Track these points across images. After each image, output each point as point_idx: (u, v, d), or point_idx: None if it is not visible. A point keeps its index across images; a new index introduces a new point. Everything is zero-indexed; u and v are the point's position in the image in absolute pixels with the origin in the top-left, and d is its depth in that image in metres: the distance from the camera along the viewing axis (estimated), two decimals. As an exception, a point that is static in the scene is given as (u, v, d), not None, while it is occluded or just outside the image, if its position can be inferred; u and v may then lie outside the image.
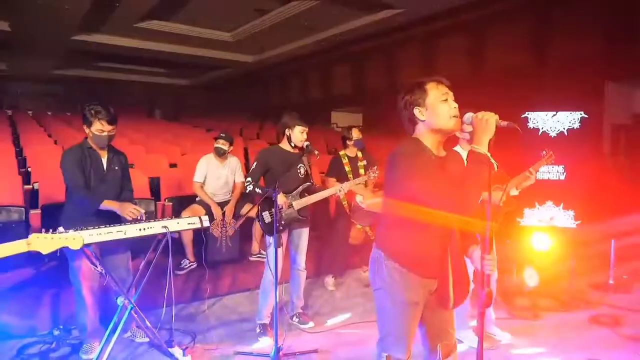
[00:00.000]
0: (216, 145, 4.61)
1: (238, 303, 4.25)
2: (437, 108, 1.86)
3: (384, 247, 1.96)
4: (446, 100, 1.87)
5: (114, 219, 3.06)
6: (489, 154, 1.71)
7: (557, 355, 3.22)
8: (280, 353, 3.05)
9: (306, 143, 3.39)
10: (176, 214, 4.67)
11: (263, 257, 4.77)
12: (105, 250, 3.10)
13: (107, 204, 3.05)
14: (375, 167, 3.91)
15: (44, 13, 11.05)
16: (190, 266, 4.42)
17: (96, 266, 2.95)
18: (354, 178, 4.42)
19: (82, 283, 3.10)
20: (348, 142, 4.65)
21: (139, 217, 3.00)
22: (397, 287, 1.92)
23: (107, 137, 3.13)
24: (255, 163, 3.50)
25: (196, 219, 3.18)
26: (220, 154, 4.61)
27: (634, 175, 5.90)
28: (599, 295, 4.33)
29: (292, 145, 3.53)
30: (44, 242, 1.73)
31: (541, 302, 4.10)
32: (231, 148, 4.71)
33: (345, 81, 16.18)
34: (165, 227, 2.96)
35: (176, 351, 3.16)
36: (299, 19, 12.49)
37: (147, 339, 3.39)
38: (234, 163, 4.76)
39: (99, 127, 3.08)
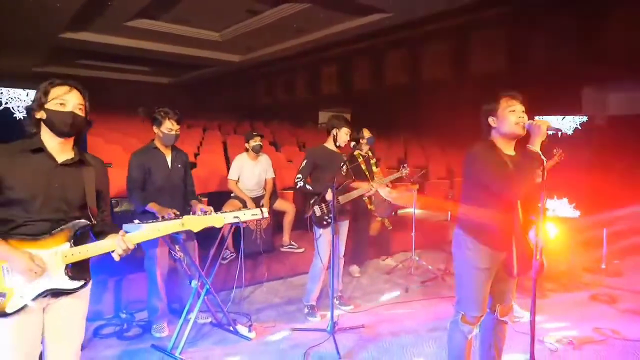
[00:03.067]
0: (253, 144, 4.95)
1: (276, 289, 4.65)
2: (505, 117, 2.35)
3: (463, 226, 2.48)
4: (513, 111, 2.34)
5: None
6: (540, 152, 2.20)
7: (567, 326, 3.74)
8: (335, 328, 3.47)
9: (352, 144, 3.80)
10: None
11: (293, 248, 5.18)
12: (173, 238, 3.43)
13: (151, 206, 3.32)
14: (406, 164, 4.36)
15: (33, 11, 10.98)
16: (230, 256, 4.77)
17: (176, 252, 3.32)
18: (369, 175, 4.86)
19: (156, 269, 3.45)
20: (361, 141, 5.05)
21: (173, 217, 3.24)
22: (472, 256, 2.43)
23: (174, 135, 3.48)
24: (304, 161, 3.89)
25: (258, 211, 3.58)
26: (258, 150, 4.97)
27: (615, 173, 6.55)
28: (594, 277, 4.93)
29: (337, 145, 3.93)
30: (194, 221, 2.07)
31: (546, 284, 4.64)
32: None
33: (332, 82, 16.60)
34: (236, 217, 3.34)
35: (241, 329, 3.54)
36: (289, 21, 12.76)
37: (209, 320, 3.75)
38: (265, 161, 5.13)
39: (169, 126, 3.43)
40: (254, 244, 4.90)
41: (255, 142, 4.98)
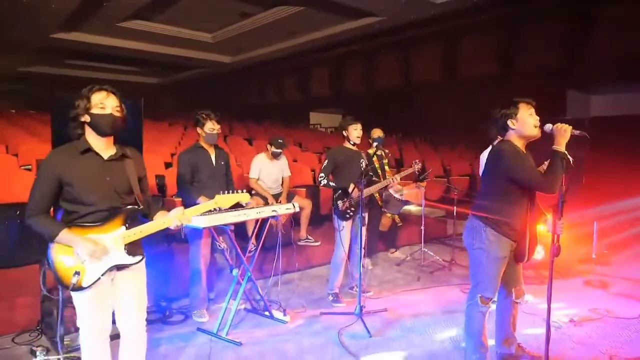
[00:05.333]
0: (274, 150, 5.26)
1: (296, 280, 4.98)
2: (525, 120, 2.70)
3: (483, 218, 2.78)
4: (531, 115, 2.71)
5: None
6: (566, 152, 2.57)
7: (567, 307, 4.17)
8: (362, 311, 3.81)
9: (375, 143, 4.16)
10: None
11: (310, 242, 5.52)
12: (220, 230, 3.73)
13: (201, 199, 3.64)
14: (417, 160, 4.72)
15: (26, 12, 11.04)
16: (254, 249, 5.07)
17: (220, 243, 3.62)
18: (382, 174, 5.22)
19: (200, 259, 3.75)
20: (370, 141, 5.43)
21: None
22: (492, 246, 2.75)
23: (216, 134, 3.83)
24: (326, 160, 4.25)
25: (290, 205, 3.91)
26: (276, 156, 5.30)
27: (602, 170, 7.06)
28: (586, 266, 5.39)
29: (352, 143, 4.28)
30: (224, 199, 2.37)
31: (544, 272, 5.08)
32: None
33: (324, 83, 16.95)
34: (274, 210, 3.67)
35: (277, 313, 3.86)
36: (282, 24, 13.02)
37: (243, 306, 4.06)
38: (282, 161, 5.45)
39: (211, 126, 3.78)
40: (276, 238, 5.21)
41: (276, 149, 5.27)
